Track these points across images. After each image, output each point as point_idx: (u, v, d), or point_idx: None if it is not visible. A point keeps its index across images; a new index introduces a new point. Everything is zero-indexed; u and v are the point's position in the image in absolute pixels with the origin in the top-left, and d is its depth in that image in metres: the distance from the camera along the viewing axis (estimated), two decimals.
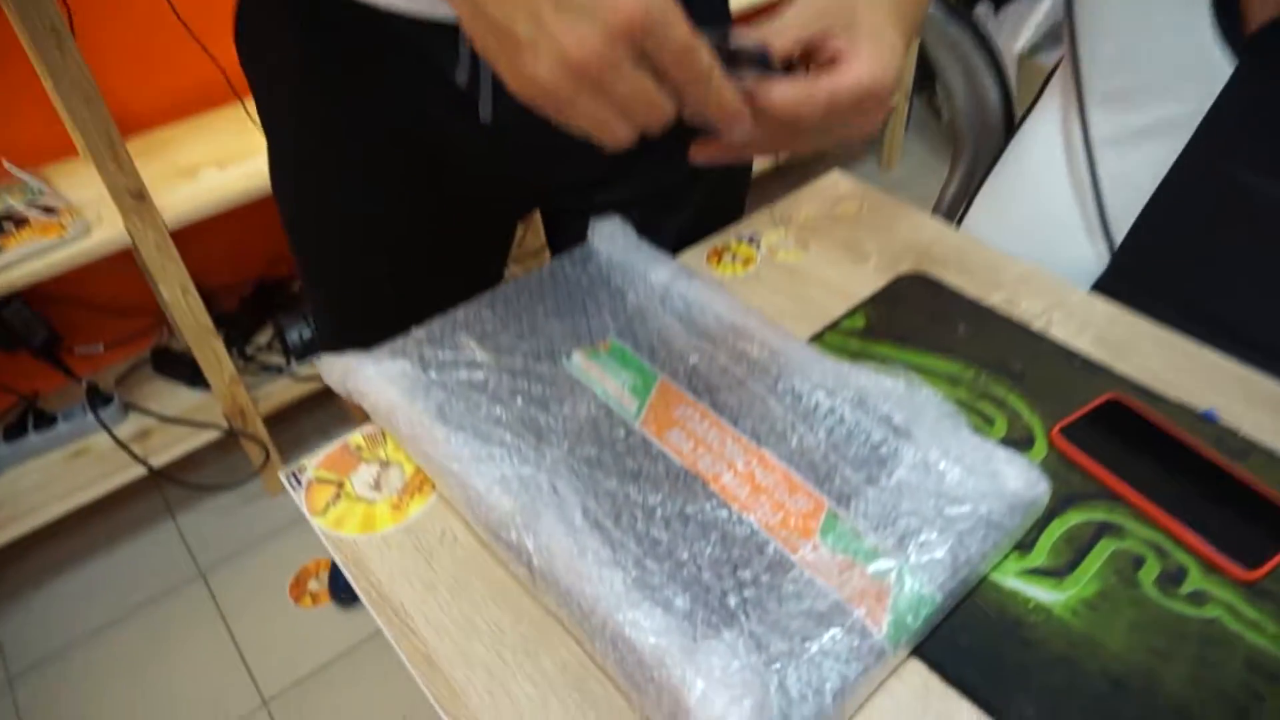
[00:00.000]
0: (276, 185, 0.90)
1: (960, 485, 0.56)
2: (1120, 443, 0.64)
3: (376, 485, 0.66)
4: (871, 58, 0.51)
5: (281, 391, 1.55)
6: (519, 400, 0.65)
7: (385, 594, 0.59)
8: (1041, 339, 0.73)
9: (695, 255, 0.85)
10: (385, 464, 0.68)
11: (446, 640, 0.56)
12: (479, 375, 0.67)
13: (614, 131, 0.44)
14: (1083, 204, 0.84)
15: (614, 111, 0.43)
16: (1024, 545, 0.58)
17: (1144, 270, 0.80)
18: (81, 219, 1.27)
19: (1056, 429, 0.65)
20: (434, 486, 0.65)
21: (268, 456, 1.55)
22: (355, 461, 0.68)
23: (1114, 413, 0.66)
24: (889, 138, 2.62)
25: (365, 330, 0.75)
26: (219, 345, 1.41)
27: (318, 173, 0.85)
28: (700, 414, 0.64)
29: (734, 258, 0.84)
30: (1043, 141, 0.87)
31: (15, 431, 1.45)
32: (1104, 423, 0.65)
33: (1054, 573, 0.57)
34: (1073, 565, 0.57)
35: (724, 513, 0.57)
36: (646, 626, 0.50)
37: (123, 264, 1.42)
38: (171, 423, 1.51)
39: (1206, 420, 0.66)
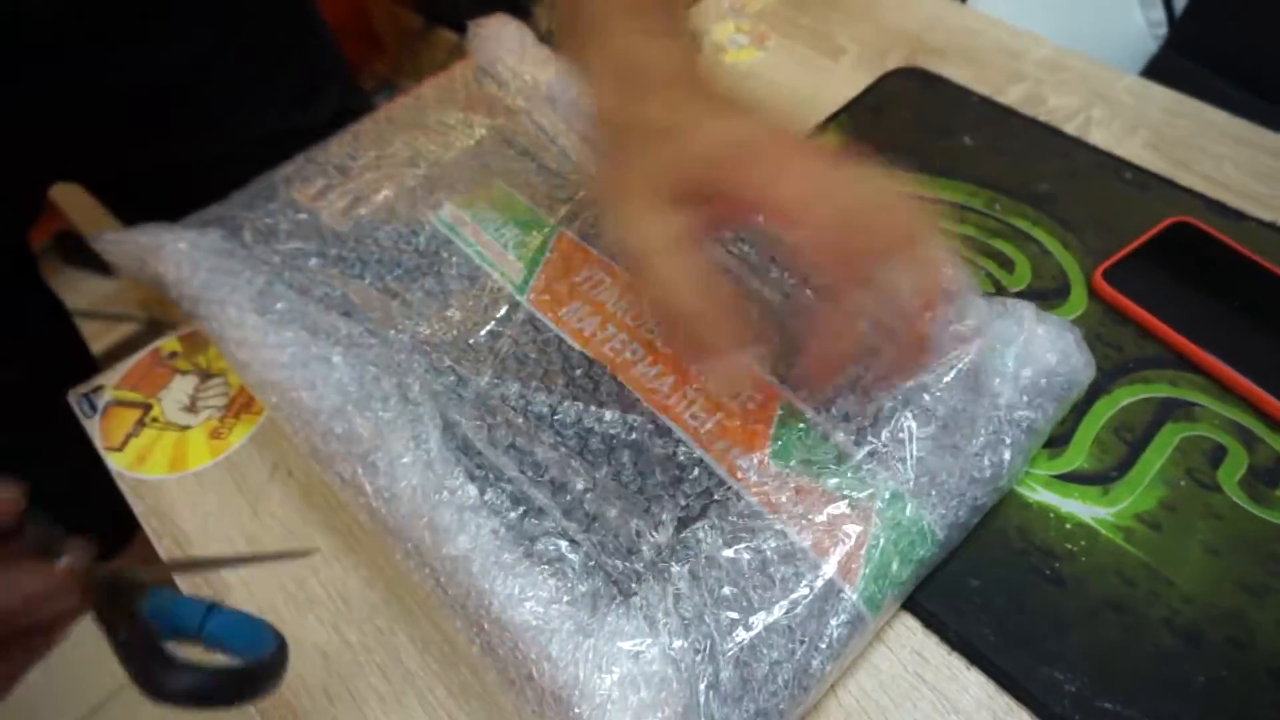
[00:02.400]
0: None
1: (969, 363, 0.39)
2: (1190, 286, 0.46)
3: (192, 406, 0.50)
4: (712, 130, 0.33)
5: None
6: (365, 275, 0.48)
7: (195, 555, 0.44)
8: (1078, 145, 0.54)
9: None
10: (206, 375, 0.51)
11: (271, 618, 0.41)
12: (312, 244, 0.49)
13: None
14: None
15: None
16: (1055, 439, 0.42)
17: (1216, 40, 0.59)
18: None
19: (1100, 271, 0.47)
20: (262, 405, 0.49)
21: None
22: (167, 374, 0.52)
23: (1180, 243, 0.48)
24: None
25: None
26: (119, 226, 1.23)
27: None
28: (611, 276, 0.46)
29: None
30: None
31: None
32: (1166, 258, 0.47)
33: (1099, 477, 0.41)
34: (1125, 465, 0.41)
35: (636, 418, 0.40)
36: (523, 598, 0.35)
37: None
38: (85, 317, 1.35)
39: None
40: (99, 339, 1.34)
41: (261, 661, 0.31)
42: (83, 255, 1.41)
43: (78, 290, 1.39)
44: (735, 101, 0.35)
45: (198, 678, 0.28)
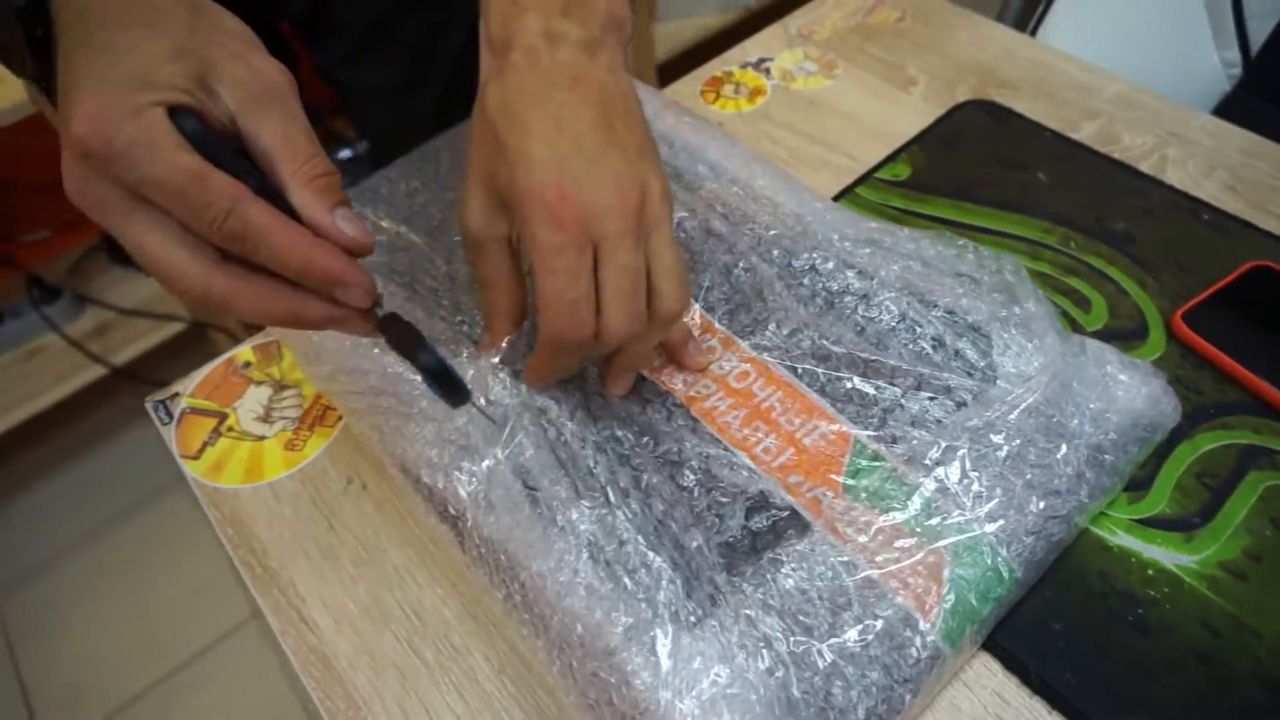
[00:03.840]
0: None
1: (1050, 404, 0.39)
2: (1271, 330, 0.46)
3: (266, 416, 0.51)
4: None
5: None
6: (442, 291, 0.48)
7: (271, 568, 0.45)
8: (1154, 185, 0.54)
9: (686, 87, 0.66)
10: (280, 386, 0.52)
11: (347, 631, 0.42)
12: (395, 257, 0.50)
13: None
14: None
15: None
16: (1136, 483, 0.42)
17: None
18: None
19: (1179, 313, 0.47)
20: (338, 416, 0.50)
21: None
22: (242, 384, 0.52)
23: (1261, 287, 0.48)
24: None
25: None
26: None
27: None
28: None
29: (737, 89, 0.65)
30: None
31: None
32: (1247, 302, 0.47)
33: (1181, 523, 0.40)
34: (1208, 512, 0.41)
35: (711, 449, 0.41)
36: (604, 620, 0.35)
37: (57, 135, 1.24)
38: (132, 315, 1.37)
39: None
40: (146, 337, 1.36)
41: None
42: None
43: (125, 290, 1.40)
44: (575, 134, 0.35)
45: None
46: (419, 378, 0.36)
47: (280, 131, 0.32)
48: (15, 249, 1.39)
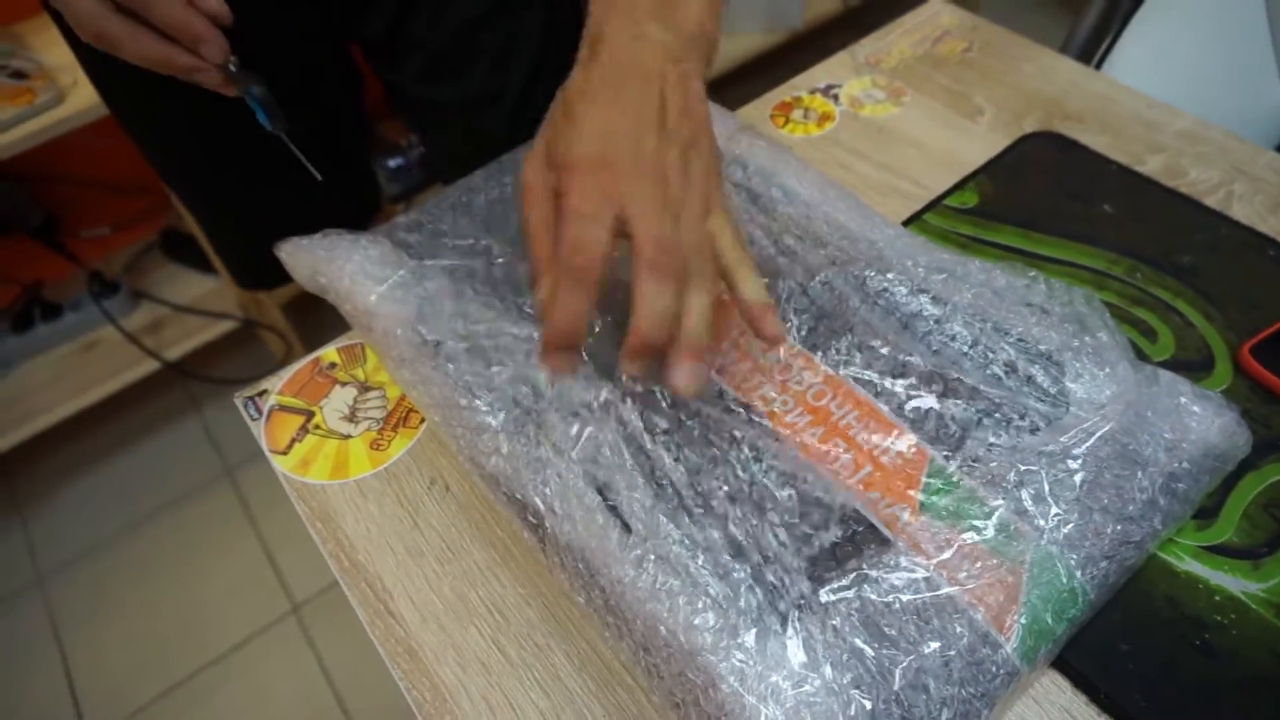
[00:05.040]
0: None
1: (1125, 432, 0.41)
2: None
3: (351, 416, 0.53)
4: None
5: None
6: (526, 298, 0.50)
7: (359, 562, 0.46)
8: (1220, 219, 0.55)
9: (756, 110, 0.68)
10: (364, 387, 0.54)
11: (433, 626, 0.44)
12: (478, 265, 0.52)
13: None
14: (1274, 31, 0.63)
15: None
16: (1204, 510, 0.43)
17: None
18: (53, 85, 1.11)
19: (1246, 347, 0.48)
20: (422, 418, 0.52)
21: (289, 347, 1.45)
22: (328, 384, 0.55)
23: None
24: None
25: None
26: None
27: None
28: None
29: (806, 114, 0.66)
30: None
31: (22, 323, 1.35)
32: None
33: (1248, 552, 0.41)
34: (1276, 542, 0.42)
35: (790, 464, 0.42)
36: (690, 625, 0.37)
37: (121, 136, 1.28)
38: (185, 312, 1.40)
39: None
40: (200, 334, 1.40)
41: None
42: (186, 251, 1.46)
43: (180, 286, 1.44)
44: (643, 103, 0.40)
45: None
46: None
47: None
48: (77, 244, 1.43)
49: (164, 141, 0.76)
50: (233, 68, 0.53)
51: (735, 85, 1.93)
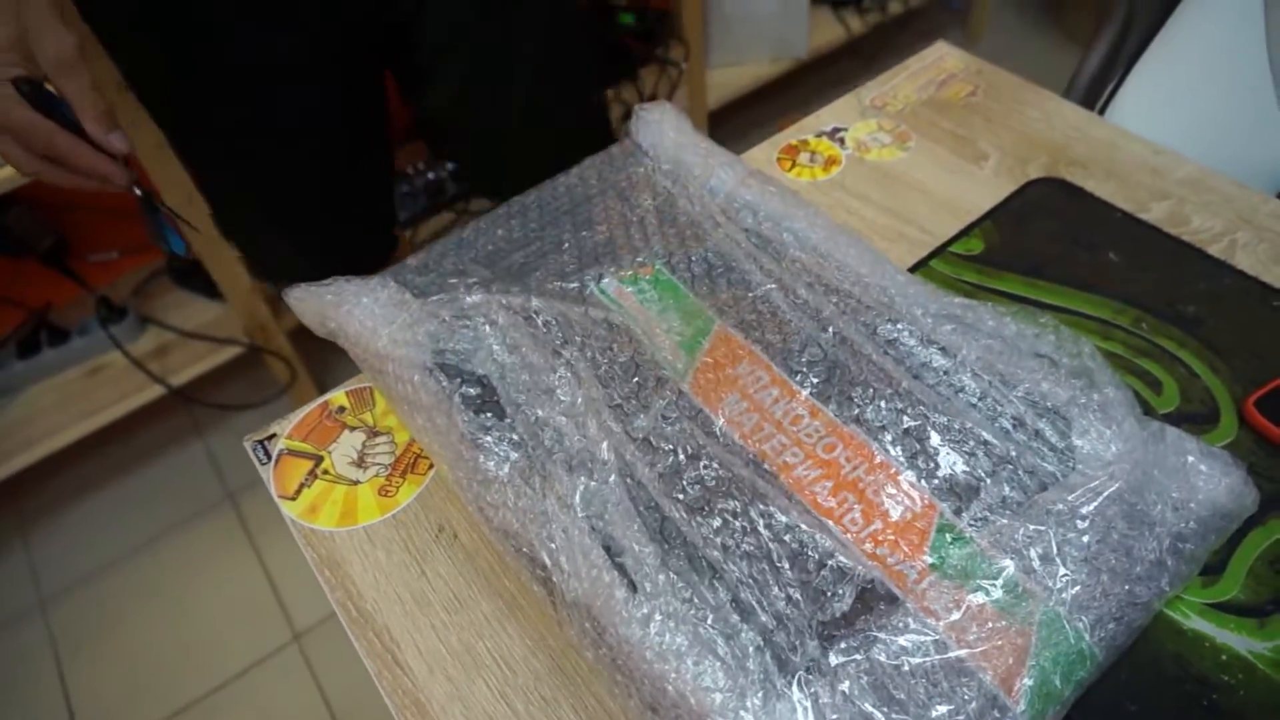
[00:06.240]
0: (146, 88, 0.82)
1: (1132, 491, 0.41)
2: None
3: (360, 461, 0.53)
4: None
5: None
6: (523, 338, 0.49)
7: (366, 611, 0.47)
8: (1223, 269, 0.55)
9: (764, 154, 0.68)
10: (373, 432, 0.54)
11: (440, 678, 0.44)
12: (483, 310, 0.52)
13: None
14: (1277, 78, 0.64)
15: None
16: (1209, 568, 0.43)
17: None
18: None
19: (1251, 399, 0.48)
20: (430, 464, 0.52)
21: (294, 373, 1.45)
22: (337, 428, 0.55)
23: None
24: (976, 3, 2.28)
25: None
26: (232, 255, 1.29)
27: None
28: (769, 375, 0.49)
29: (813, 157, 0.67)
30: (1225, 2, 0.67)
31: (29, 347, 1.36)
32: None
33: (1254, 609, 0.41)
34: None
35: (800, 517, 0.42)
36: (698, 684, 0.37)
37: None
38: (191, 338, 1.41)
39: None
40: (205, 360, 1.40)
41: None
42: (194, 277, 1.47)
43: (185, 312, 1.45)
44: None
45: None
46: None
47: (76, 88, 0.55)
48: (86, 268, 1.44)
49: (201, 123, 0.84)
50: (137, 192, 0.62)
51: (745, 110, 1.95)
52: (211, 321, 1.44)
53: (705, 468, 0.43)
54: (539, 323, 0.50)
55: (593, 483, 0.42)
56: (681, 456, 0.44)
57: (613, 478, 0.42)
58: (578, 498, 0.42)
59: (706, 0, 1.66)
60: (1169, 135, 0.65)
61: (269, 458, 0.54)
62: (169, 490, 1.47)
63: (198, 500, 1.44)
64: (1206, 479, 0.40)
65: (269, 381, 1.53)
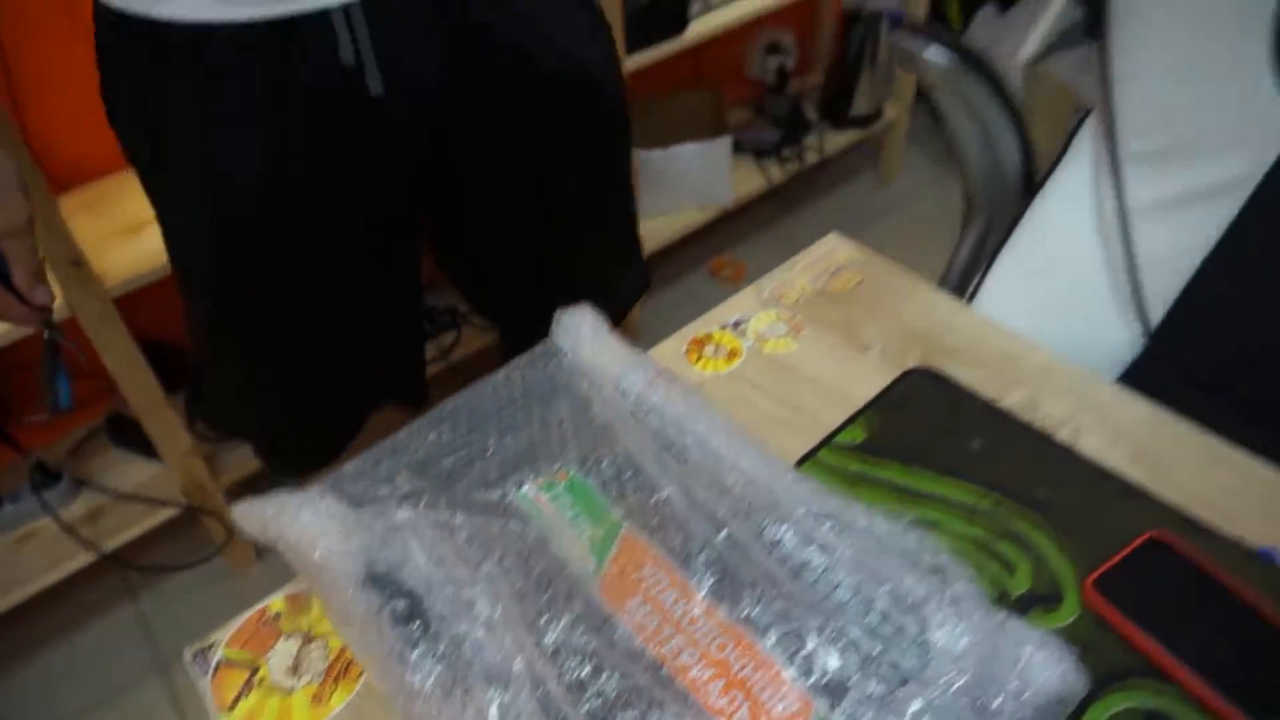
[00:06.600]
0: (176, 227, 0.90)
1: (977, 684, 0.46)
2: (1166, 597, 0.54)
3: (295, 669, 0.56)
4: None
5: (249, 456, 1.45)
6: (448, 552, 0.54)
7: None
8: (1069, 455, 0.63)
9: (674, 346, 0.75)
10: (308, 638, 0.58)
11: None
12: (409, 516, 0.57)
13: None
14: (1114, 278, 0.74)
15: None
16: None
17: (1184, 358, 0.69)
18: None
19: (1090, 580, 0.55)
20: (360, 670, 0.56)
21: (230, 533, 1.46)
22: (273, 635, 0.58)
23: (1155, 556, 0.56)
24: (888, 149, 2.48)
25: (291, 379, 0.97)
26: (172, 417, 1.31)
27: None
28: (670, 578, 0.54)
29: (717, 350, 0.74)
30: (1069, 205, 0.77)
31: None
32: (1145, 569, 0.55)
33: None
34: None
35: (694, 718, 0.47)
36: None
37: (69, 325, 1.32)
38: (127, 499, 1.41)
39: (1263, 561, 0.56)
40: (141, 521, 1.40)
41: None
42: (130, 437, 1.48)
43: (122, 471, 1.46)
44: None
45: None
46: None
47: (19, 249, 0.69)
48: (22, 430, 1.44)
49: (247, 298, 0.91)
50: (46, 334, 0.77)
51: (676, 253, 2.07)
52: (148, 481, 1.45)
53: (607, 679, 0.48)
54: (462, 538, 0.55)
55: (507, 696, 0.46)
56: (587, 668, 0.48)
57: (524, 691, 0.46)
58: (494, 710, 0.46)
59: (636, 158, 1.79)
60: (1026, 319, 0.74)
61: (207, 668, 0.57)
62: (99, 659, 1.44)
63: (125, 672, 1.41)
64: (1039, 670, 0.46)
65: (206, 540, 1.53)
